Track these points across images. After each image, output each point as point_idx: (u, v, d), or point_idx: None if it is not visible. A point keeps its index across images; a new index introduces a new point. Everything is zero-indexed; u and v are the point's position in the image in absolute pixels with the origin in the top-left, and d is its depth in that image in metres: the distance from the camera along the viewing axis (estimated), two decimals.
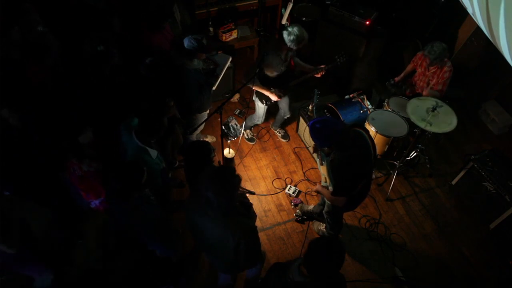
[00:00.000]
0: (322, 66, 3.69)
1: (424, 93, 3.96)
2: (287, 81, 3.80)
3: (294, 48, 3.44)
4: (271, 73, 3.65)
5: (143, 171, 2.44)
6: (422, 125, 3.43)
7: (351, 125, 2.70)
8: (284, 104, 4.13)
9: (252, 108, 4.50)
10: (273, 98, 3.81)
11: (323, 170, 2.92)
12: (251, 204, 2.57)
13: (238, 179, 2.16)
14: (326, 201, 3.26)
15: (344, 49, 4.78)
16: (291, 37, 3.35)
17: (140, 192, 2.52)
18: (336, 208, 3.16)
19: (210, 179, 2.09)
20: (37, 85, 2.99)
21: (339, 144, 2.55)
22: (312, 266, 1.95)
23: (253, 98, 4.06)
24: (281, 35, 3.43)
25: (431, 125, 3.43)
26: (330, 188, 2.80)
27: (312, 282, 2.00)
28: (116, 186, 2.41)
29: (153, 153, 2.84)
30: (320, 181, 2.99)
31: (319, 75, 3.75)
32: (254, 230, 2.37)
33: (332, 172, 2.71)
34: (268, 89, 3.74)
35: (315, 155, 3.02)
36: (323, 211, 3.42)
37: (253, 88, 3.73)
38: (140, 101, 2.95)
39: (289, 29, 3.37)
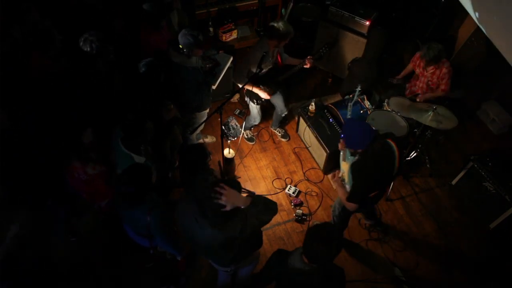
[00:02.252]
0: (309, 57, 3.71)
1: (418, 98, 3.96)
2: (275, 77, 3.81)
3: (281, 42, 3.49)
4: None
5: (150, 170, 2.45)
6: (434, 125, 3.43)
7: (384, 134, 2.69)
8: (279, 102, 4.13)
9: None
10: (263, 95, 3.81)
11: (344, 166, 2.91)
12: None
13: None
14: (336, 203, 3.27)
15: (344, 49, 4.84)
16: (278, 32, 3.40)
17: (151, 193, 2.53)
18: (345, 211, 3.18)
19: (203, 191, 2.06)
20: (38, 74, 2.98)
21: (367, 150, 2.58)
22: (310, 252, 1.98)
23: (246, 99, 4.07)
24: (268, 32, 3.47)
25: (442, 122, 3.43)
26: (347, 186, 2.80)
27: (311, 270, 2.02)
28: (128, 191, 2.40)
29: (140, 159, 2.82)
30: (337, 172, 2.97)
31: (308, 66, 3.76)
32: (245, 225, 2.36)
33: (352, 173, 2.72)
34: (258, 87, 3.75)
35: (341, 151, 2.98)
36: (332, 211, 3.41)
37: (244, 87, 3.74)
38: (139, 101, 2.96)
39: (275, 24, 3.42)
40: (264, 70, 3.66)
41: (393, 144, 2.62)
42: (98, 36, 3.00)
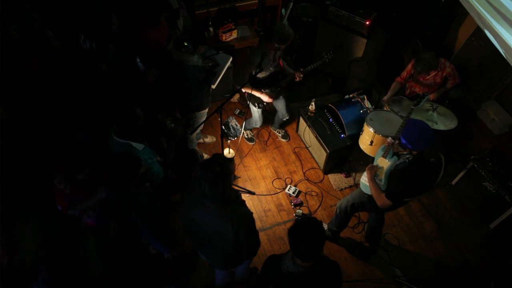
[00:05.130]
0: (301, 69, 3.72)
1: (432, 96, 3.97)
2: (278, 81, 3.80)
3: (281, 46, 3.48)
4: (261, 74, 3.67)
5: (139, 161, 2.47)
6: (429, 125, 3.43)
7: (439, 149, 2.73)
8: (280, 106, 4.13)
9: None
10: (265, 99, 3.82)
11: (381, 162, 2.88)
12: (244, 201, 2.59)
13: (229, 167, 2.18)
14: (350, 197, 3.27)
15: (344, 49, 4.84)
16: (277, 36, 3.38)
17: (138, 182, 2.53)
18: (353, 208, 3.20)
19: (203, 172, 2.11)
20: (37, 75, 2.98)
21: (422, 154, 2.58)
22: (299, 250, 1.97)
23: (248, 103, 4.07)
24: (268, 34, 3.46)
25: (437, 123, 3.43)
26: (381, 183, 2.80)
27: (306, 271, 2.02)
28: (113, 176, 2.43)
29: (139, 146, 2.83)
30: (375, 166, 2.92)
31: (297, 79, 3.76)
32: (251, 218, 2.37)
33: (391, 174, 2.72)
34: (259, 91, 3.75)
35: (382, 146, 2.95)
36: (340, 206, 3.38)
37: (244, 91, 3.75)
38: (138, 100, 2.95)
39: (276, 27, 3.41)
40: (264, 73, 3.66)
41: (443, 160, 2.66)
42: (97, 34, 3.00)
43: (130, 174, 2.45)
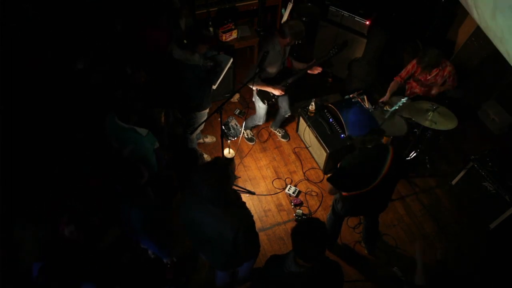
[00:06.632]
0: (313, 61, 3.76)
1: (433, 91, 3.97)
2: (286, 78, 3.82)
3: (294, 41, 3.50)
4: (271, 70, 3.68)
5: (140, 170, 2.45)
6: (427, 124, 3.43)
7: (386, 144, 2.75)
8: (284, 103, 4.14)
9: (252, 109, 4.51)
10: (277, 92, 3.82)
11: None
12: (244, 203, 2.59)
13: (229, 171, 2.19)
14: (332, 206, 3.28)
15: (344, 49, 4.83)
16: (292, 31, 3.40)
17: (143, 191, 2.52)
18: (336, 215, 3.20)
19: (203, 176, 2.11)
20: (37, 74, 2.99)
21: (358, 140, 2.67)
22: (302, 252, 1.98)
23: (253, 99, 4.06)
24: (281, 30, 3.47)
25: (436, 123, 3.43)
26: None
27: (308, 271, 2.02)
28: (118, 189, 2.42)
29: (142, 131, 2.81)
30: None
31: (314, 72, 3.79)
32: (252, 220, 2.37)
33: (344, 158, 2.80)
34: (271, 86, 3.76)
35: None
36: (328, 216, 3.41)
37: (254, 88, 3.75)
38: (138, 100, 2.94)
39: (290, 22, 3.44)
40: (275, 69, 3.67)
41: (391, 151, 2.66)
42: (91, 55, 3.00)
43: (131, 185, 2.43)
